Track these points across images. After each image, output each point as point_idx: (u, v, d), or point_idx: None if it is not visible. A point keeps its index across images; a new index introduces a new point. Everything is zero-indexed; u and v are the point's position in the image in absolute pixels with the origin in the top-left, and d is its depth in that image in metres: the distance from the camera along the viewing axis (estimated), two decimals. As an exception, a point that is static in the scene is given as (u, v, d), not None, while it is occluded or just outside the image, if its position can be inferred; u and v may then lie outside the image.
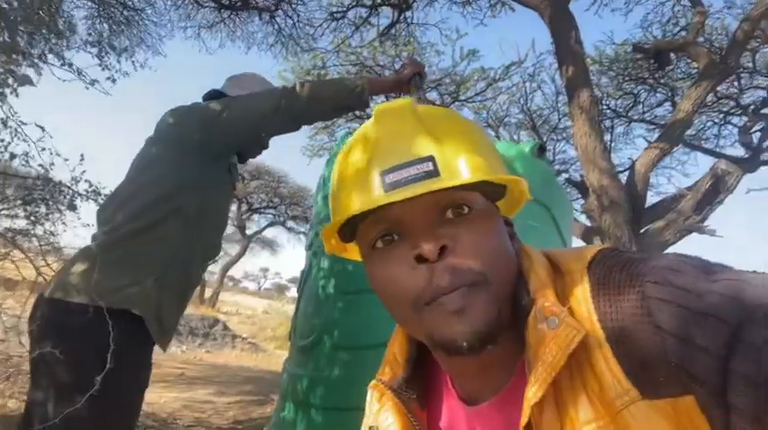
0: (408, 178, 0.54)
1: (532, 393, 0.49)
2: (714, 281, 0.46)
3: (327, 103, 1.60)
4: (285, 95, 1.55)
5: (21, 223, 3.05)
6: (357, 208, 0.56)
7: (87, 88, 2.43)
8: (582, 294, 0.53)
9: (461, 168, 0.55)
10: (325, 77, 7.34)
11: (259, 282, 52.89)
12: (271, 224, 18.97)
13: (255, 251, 22.22)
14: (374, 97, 1.74)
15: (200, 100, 1.79)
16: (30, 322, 1.41)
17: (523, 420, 0.50)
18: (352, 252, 0.67)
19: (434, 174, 0.54)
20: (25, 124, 2.35)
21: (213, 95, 1.76)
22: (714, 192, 3.41)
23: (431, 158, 0.55)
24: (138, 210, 1.46)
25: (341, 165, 0.63)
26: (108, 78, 2.80)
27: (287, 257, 17.22)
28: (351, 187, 0.58)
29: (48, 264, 2.60)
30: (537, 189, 1.98)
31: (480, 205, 0.58)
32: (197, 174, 1.54)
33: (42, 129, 2.27)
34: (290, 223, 18.44)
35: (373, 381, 0.67)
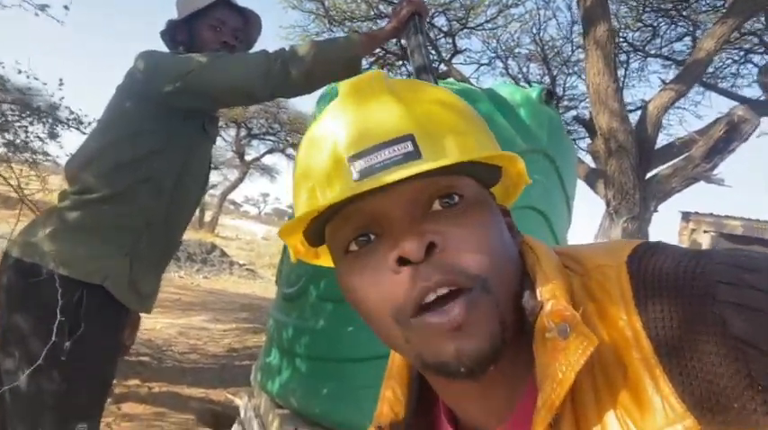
0: (383, 163, 0.43)
1: (540, 418, 0.40)
2: None
3: (327, 70, 1.39)
4: (276, 64, 1.33)
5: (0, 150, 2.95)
6: (319, 204, 0.45)
7: (37, 14, 2.19)
8: (620, 294, 0.43)
9: (447, 147, 0.44)
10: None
11: (259, 207, 53.34)
12: (270, 151, 18.76)
13: (254, 177, 22.10)
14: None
15: (163, 34, 1.58)
16: None
17: None
18: (325, 258, 0.56)
19: (415, 155, 0.43)
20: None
21: (170, 28, 1.56)
22: (728, 139, 3.25)
23: (410, 137, 0.44)
24: (106, 170, 1.36)
25: (302, 152, 0.51)
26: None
27: (286, 184, 17.16)
28: (313, 179, 0.47)
29: (26, 195, 2.51)
30: (543, 139, 1.84)
31: (473, 192, 0.47)
32: (170, 136, 1.41)
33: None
34: (290, 150, 18.19)
35: (370, 427, 0.56)
